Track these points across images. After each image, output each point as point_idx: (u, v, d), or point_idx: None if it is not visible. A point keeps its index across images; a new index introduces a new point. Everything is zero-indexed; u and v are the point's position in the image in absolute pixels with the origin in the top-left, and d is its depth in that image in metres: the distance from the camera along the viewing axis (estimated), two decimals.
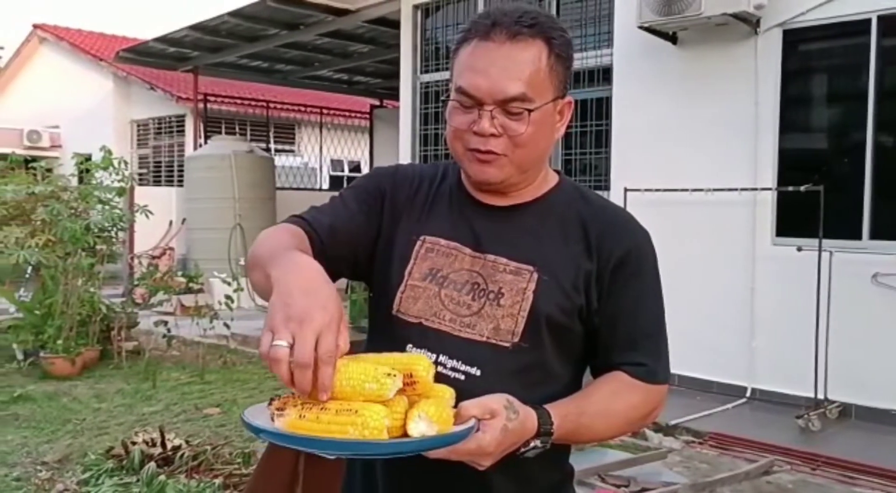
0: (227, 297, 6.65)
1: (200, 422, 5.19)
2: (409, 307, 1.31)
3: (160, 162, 16.19)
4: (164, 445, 3.70)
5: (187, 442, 3.87)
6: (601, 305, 1.31)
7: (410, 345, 1.30)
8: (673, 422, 4.97)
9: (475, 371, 1.27)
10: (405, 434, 1.06)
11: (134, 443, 3.70)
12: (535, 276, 1.28)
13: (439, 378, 1.24)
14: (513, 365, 1.27)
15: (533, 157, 1.30)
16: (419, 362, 1.15)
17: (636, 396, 1.30)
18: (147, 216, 7.44)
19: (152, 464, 3.45)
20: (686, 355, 5.59)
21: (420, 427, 1.05)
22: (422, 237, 1.35)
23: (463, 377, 1.26)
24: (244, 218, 10.77)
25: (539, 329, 1.27)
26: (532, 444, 1.17)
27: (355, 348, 1.13)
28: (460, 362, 1.27)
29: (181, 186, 13.07)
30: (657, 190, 5.91)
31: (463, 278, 1.31)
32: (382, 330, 1.37)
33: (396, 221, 1.38)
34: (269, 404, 1.14)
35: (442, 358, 1.28)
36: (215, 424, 5.14)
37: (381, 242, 1.38)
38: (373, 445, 1.03)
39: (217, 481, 3.43)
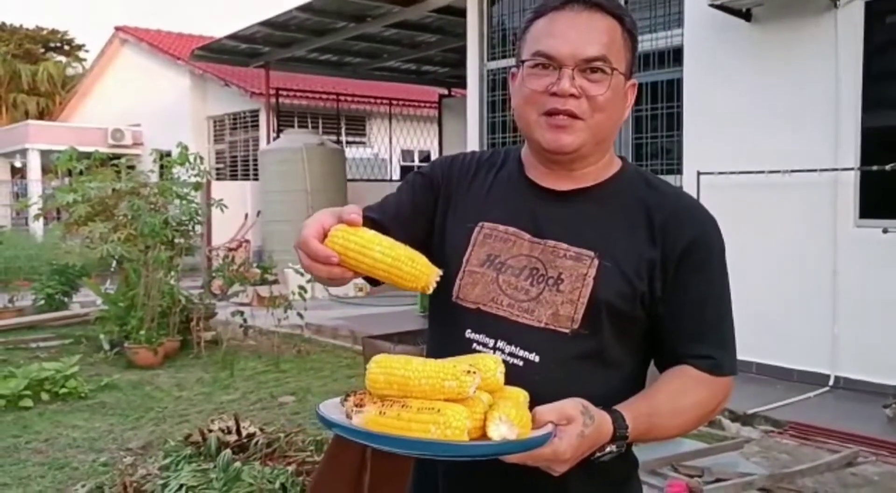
0: (301, 287, 6.74)
1: (276, 410, 5.30)
2: (468, 294, 1.30)
3: (236, 157, 16.58)
4: (238, 432, 3.78)
5: (262, 430, 3.94)
6: (665, 294, 1.27)
7: (469, 331, 1.29)
8: (751, 411, 4.82)
9: (533, 357, 1.25)
10: (483, 436, 1.05)
11: (210, 430, 3.79)
12: (596, 262, 1.26)
13: None
14: (572, 352, 1.25)
15: (608, 125, 1.29)
16: (488, 362, 1.13)
17: (704, 391, 1.27)
18: (222, 210, 7.62)
19: (228, 451, 3.52)
20: (765, 342, 5.45)
21: (501, 430, 1.03)
22: (480, 224, 1.34)
23: (521, 363, 1.24)
24: (317, 210, 10.86)
25: (599, 316, 1.25)
26: (608, 449, 1.16)
27: (419, 337, 1.15)
28: (518, 348, 1.25)
29: (256, 179, 13.36)
30: (731, 173, 5.74)
31: (521, 263, 1.29)
32: (442, 319, 1.36)
33: (452, 211, 1.38)
34: (345, 399, 1.14)
35: (500, 344, 1.26)
36: (290, 411, 5.24)
37: (435, 233, 1.38)
38: (454, 446, 1.02)
39: (290, 468, 3.47)
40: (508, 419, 1.04)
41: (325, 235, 1.16)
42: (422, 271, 1.13)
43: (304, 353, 7.10)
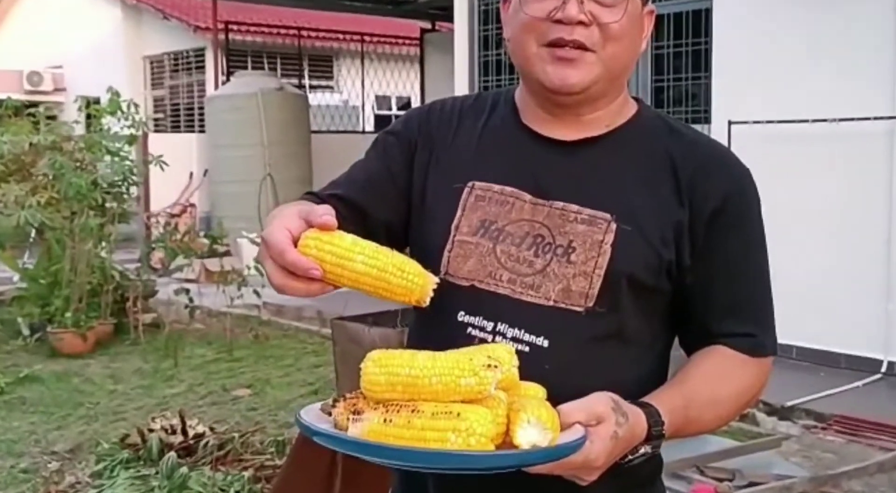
0: (258, 260, 6.74)
1: (229, 405, 5.32)
2: (459, 268, 1.29)
3: (178, 104, 16.43)
4: (185, 432, 3.80)
5: (212, 429, 3.96)
6: (694, 261, 1.26)
7: (462, 313, 1.28)
8: (790, 403, 4.88)
9: (542, 342, 1.24)
10: (505, 442, 1.02)
11: (151, 430, 3.81)
12: (614, 226, 1.25)
13: None
14: (587, 334, 1.24)
15: (624, 59, 1.27)
16: (500, 353, 1.10)
17: (745, 376, 1.27)
18: (162, 168, 7.58)
19: (172, 454, 3.54)
20: (806, 322, 5.49)
21: (529, 435, 1.01)
22: (470, 184, 1.32)
23: (527, 349, 1.23)
24: (275, 167, 10.87)
25: (618, 290, 1.24)
26: (641, 450, 1.15)
27: (398, 317, 1.12)
28: (523, 332, 1.24)
29: (202, 132, 13.26)
30: (769, 122, 5.74)
31: (523, 230, 1.28)
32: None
33: (435, 171, 1.36)
34: (333, 405, 1.11)
35: (500, 327, 1.25)
36: (245, 407, 5.26)
37: (415, 198, 1.36)
38: (480, 457, 0.99)
39: (246, 473, 3.50)
40: (539, 422, 1.01)
41: (294, 244, 1.12)
42: (413, 283, 1.11)
43: (262, 338, 7.11)
